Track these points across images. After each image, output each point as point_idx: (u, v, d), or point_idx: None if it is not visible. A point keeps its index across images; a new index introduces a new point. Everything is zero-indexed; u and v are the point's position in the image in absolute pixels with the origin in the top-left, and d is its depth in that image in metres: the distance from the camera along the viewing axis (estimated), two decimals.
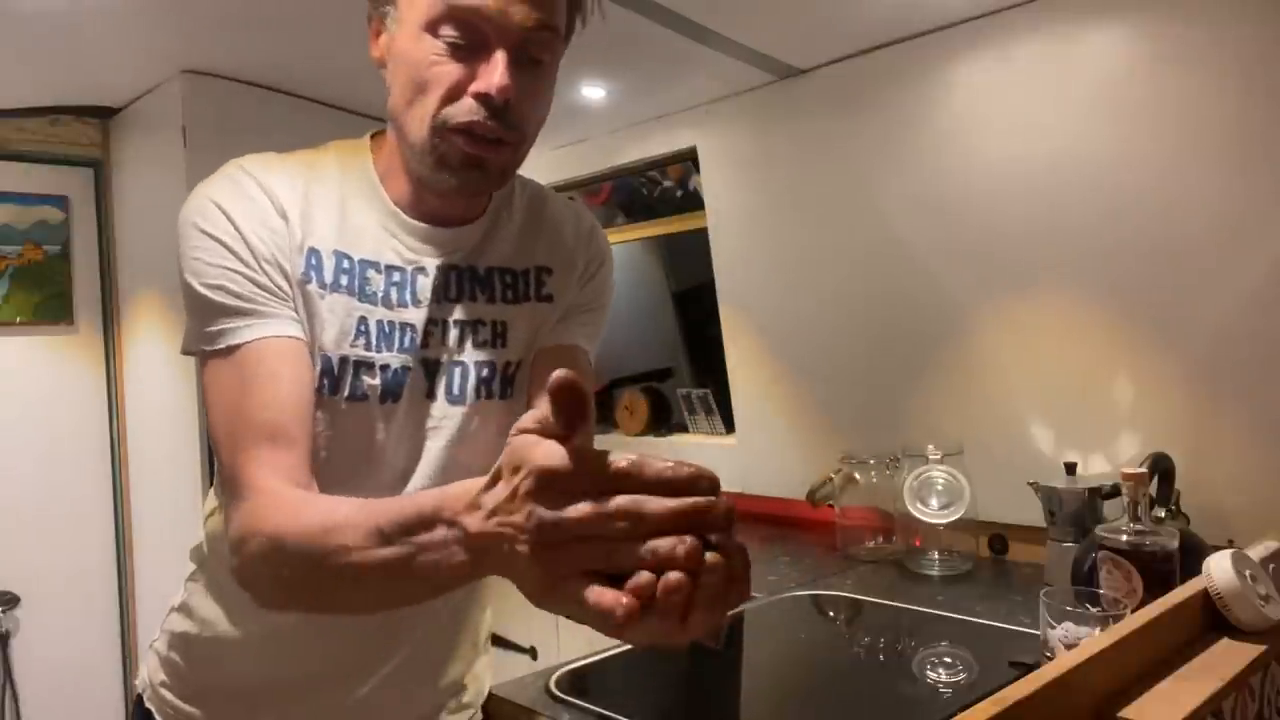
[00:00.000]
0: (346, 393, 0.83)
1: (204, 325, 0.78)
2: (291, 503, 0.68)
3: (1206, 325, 1.56)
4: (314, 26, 1.87)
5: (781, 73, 2.07)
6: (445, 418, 0.88)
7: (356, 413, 0.84)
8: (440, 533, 0.52)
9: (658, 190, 2.72)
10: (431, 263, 0.87)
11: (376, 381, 0.84)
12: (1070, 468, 1.65)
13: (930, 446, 1.85)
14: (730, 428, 2.48)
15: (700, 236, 2.38)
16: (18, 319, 2.42)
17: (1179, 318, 1.60)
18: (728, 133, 2.23)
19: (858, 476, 2.02)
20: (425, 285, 0.86)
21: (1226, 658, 0.93)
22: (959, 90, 1.82)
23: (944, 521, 1.80)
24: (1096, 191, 1.64)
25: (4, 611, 2.38)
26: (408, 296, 0.85)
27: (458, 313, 0.88)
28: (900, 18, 1.79)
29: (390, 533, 0.56)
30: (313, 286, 0.81)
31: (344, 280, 0.83)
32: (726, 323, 2.36)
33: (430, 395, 0.87)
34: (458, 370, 0.88)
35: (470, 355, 0.88)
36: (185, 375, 2.20)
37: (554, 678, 1.27)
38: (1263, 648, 0.95)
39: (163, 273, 2.30)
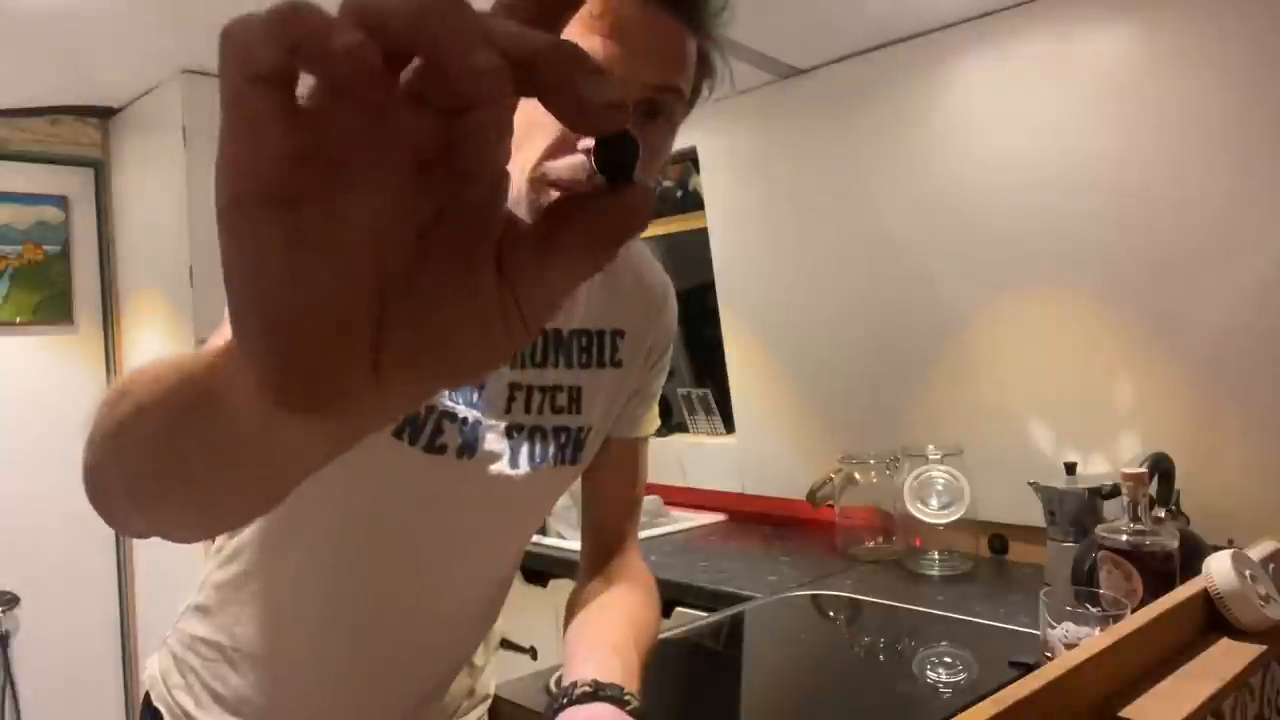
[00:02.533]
0: (424, 443, 0.80)
1: None
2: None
3: (1206, 325, 1.56)
4: None
5: (781, 73, 2.07)
6: (524, 482, 0.86)
7: (433, 466, 0.81)
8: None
9: (658, 190, 2.73)
10: None
11: (456, 435, 0.81)
12: (1070, 468, 1.65)
13: (930, 446, 1.85)
14: (730, 428, 2.48)
15: (700, 236, 2.38)
16: (18, 319, 2.42)
17: (1179, 318, 1.60)
18: (728, 133, 2.23)
19: (858, 476, 2.02)
20: None
21: (1226, 658, 0.93)
22: (959, 90, 1.82)
23: (944, 521, 1.80)
24: (1097, 191, 1.64)
25: (4, 611, 2.38)
26: None
27: (540, 378, 0.86)
28: (900, 18, 1.79)
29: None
30: None
31: None
32: (726, 323, 2.36)
33: (513, 460, 0.85)
34: (539, 436, 0.87)
35: (550, 421, 0.87)
36: None
37: (554, 678, 1.27)
38: (1263, 648, 0.95)
39: (163, 273, 2.30)
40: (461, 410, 0.81)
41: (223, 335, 0.40)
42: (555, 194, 0.72)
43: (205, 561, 0.98)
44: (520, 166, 0.74)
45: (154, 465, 0.44)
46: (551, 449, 0.87)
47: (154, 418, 0.40)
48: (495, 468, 0.85)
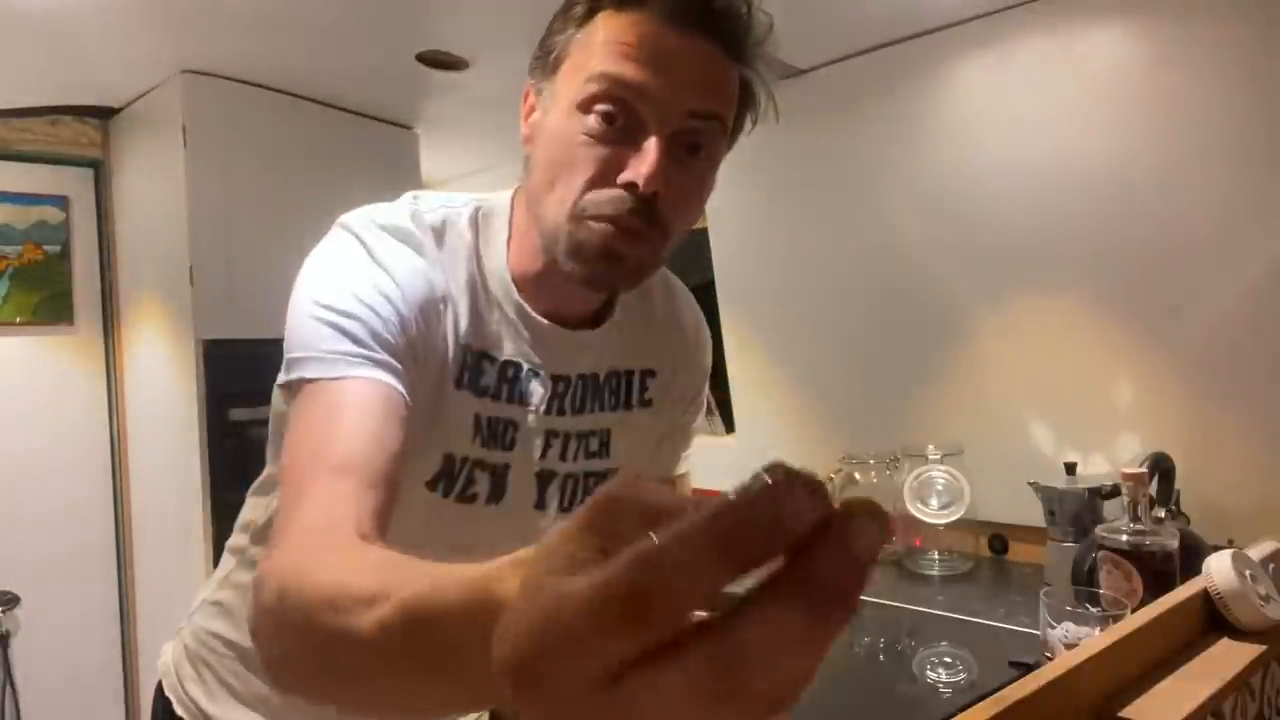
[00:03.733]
0: (458, 491, 0.80)
1: (315, 352, 0.69)
2: (327, 549, 0.55)
3: (1206, 325, 1.56)
4: (314, 26, 1.87)
5: (781, 73, 2.06)
6: (552, 526, 0.86)
7: (463, 514, 0.80)
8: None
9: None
10: (548, 370, 0.82)
11: (487, 482, 0.81)
12: (1070, 468, 1.65)
13: (930, 446, 1.85)
14: (730, 428, 2.48)
15: (700, 236, 2.38)
16: (18, 319, 2.42)
17: (1179, 317, 1.60)
18: None
19: (858, 476, 2.02)
20: (539, 391, 0.81)
21: (1226, 658, 0.93)
22: (959, 90, 1.82)
23: (944, 521, 1.80)
24: (1097, 191, 1.64)
25: (4, 611, 2.38)
26: (517, 395, 0.81)
27: (574, 425, 0.85)
28: (900, 18, 1.79)
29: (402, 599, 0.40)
30: (442, 382, 0.77)
31: (467, 377, 0.78)
32: (726, 323, 2.36)
33: (541, 505, 0.84)
34: (570, 482, 0.86)
35: (581, 466, 0.86)
36: (185, 375, 2.20)
37: None
38: (1263, 648, 0.95)
39: (163, 273, 2.30)
40: (494, 458, 0.80)
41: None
42: (595, 227, 0.70)
43: (225, 560, 0.98)
44: (559, 202, 0.72)
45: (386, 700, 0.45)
46: (580, 494, 0.86)
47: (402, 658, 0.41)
48: (522, 513, 0.84)
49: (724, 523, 0.23)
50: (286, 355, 0.71)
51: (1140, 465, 1.41)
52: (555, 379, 0.82)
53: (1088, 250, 1.68)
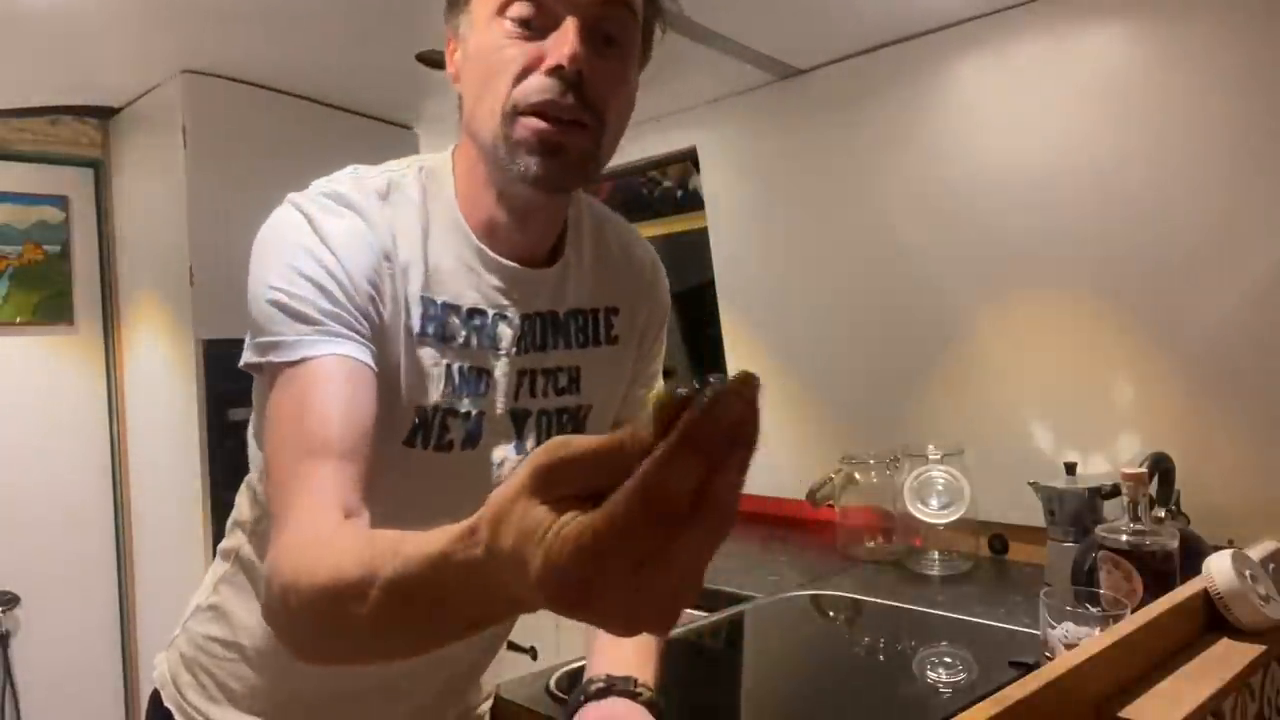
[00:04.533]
0: (434, 442, 0.81)
1: (275, 334, 0.73)
2: (316, 543, 0.62)
3: (1206, 325, 1.56)
4: (314, 26, 1.87)
5: (781, 73, 2.07)
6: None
7: (440, 461, 0.82)
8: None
9: (658, 190, 2.73)
10: (515, 310, 0.84)
11: (460, 429, 0.82)
12: (1070, 468, 1.65)
13: (930, 446, 1.85)
14: None
15: (700, 236, 2.38)
16: (18, 319, 2.42)
17: (1179, 318, 1.60)
18: (728, 133, 2.23)
19: (858, 476, 2.02)
20: (507, 334, 0.83)
21: (1226, 658, 0.93)
22: (959, 90, 1.82)
23: (944, 521, 1.80)
24: (1096, 191, 1.64)
25: (4, 611, 2.38)
26: (488, 343, 0.83)
27: (541, 361, 0.87)
28: (900, 18, 1.79)
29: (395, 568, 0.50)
30: (405, 336, 0.79)
31: (431, 328, 0.80)
32: (726, 323, 2.36)
33: (520, 445, 0.86)
34: (544, 419, 0.88)
35: (553, 403, 0.88)
36: (185, 375, 2.20)
37: (554, 678, 1.27)
38: (1263, 648, 0.95)
39: (163, 273, 2.30)
40: (465, 405, 0.82)
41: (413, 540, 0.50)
42: (528, 122, 0.73)
43: (217, 563, 0.98)
44: (490, 111, 0.75)
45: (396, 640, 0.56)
46: (554, 430, 0.88)
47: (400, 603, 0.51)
48: (499, 453, 0.85)
49: (692, 434, 0.33)
50: (248, 339, 0.76)
51: (1140, 465, 1.41)
52: (522, 319, 0.84)
53: (1088, 250, 1.68)
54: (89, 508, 2.54)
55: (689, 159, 2.39)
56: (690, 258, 2.59)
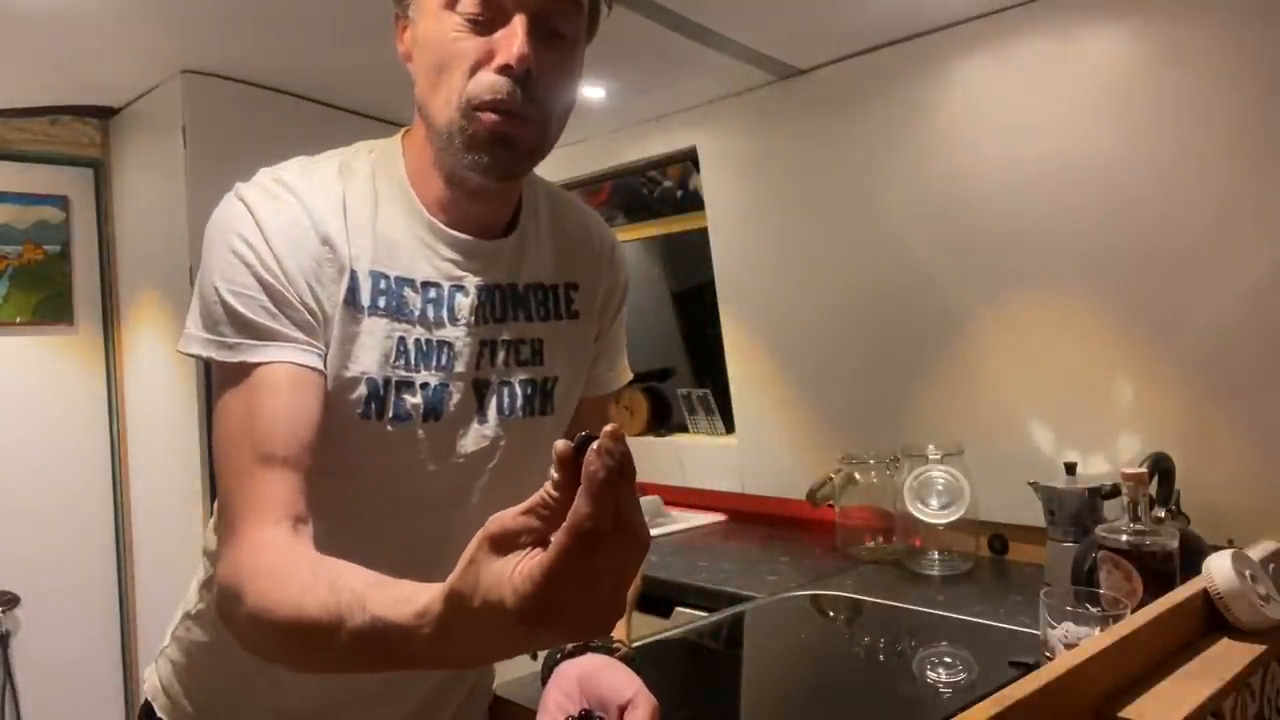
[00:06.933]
0: (391, 414, 0.82)
1: (221, 335, 0.76)
2: (271, 571, 0.67)
3: (1206, 325, 1.56)
4: (314, 26, 1.87)
5: (781, 73, 2.07)
6: (499, 436, 0.88)
7: (402, 434, 0.83)
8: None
9: (658, 190, 2.72)
10: (471, 281, 0.85)
11: (418, 400, 0.83)
12: (1070, 468, 1.65)
13: (930, 446, 1.85)
14: (730, 428, 2.48)
15: (700, 236, 2.38)
16: (18, 319, 2.42)
17: (1179, 318, 1.60)
18: (728, 133, 2.23)
19: (858, 476, 2.02)
20: (465, 304, 0.85)
21: (1226, 658, 0.93)
22: (959, 90, 1.82)
23: (944, 521, 1.80)
24: (1096, 191, 1.64)
25: (4, 611, 2.38)
26: (445, 314, 0.84)
27: (501, 332, 0.88)
28: (900, 18, 1.79)
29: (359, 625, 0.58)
30: (351, 311, 0.80)
31: (381, 302, 0.81)
32: (726, 323, 2.36)
33: (482, 415, 0.87)
34: (506, 390, 0.88)
35: (516, 374, 0.89)
36: (185, 375, 2.20)
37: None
38: (1263, 648, 0.95)
39: (163, 273, 2.30)
40: (422, 377, 0.83)
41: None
42: (484, 117, 0.76)
43: (199, 570, 0.97)
44: (445, 102, 0.78)
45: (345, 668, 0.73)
46: (520, 400, 0.89)
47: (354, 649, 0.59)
48: (468, 426, 0.86)
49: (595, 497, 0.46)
50: (192, 321, 0.78)
51: (1140, 465, 1.41)
52: (479, 290, 0.86)
53: (1088, 250, 1.68)
54: (89, 508, 2.54)
55: (689, 159, 2.39)
56: (690, 258, 2.59)
